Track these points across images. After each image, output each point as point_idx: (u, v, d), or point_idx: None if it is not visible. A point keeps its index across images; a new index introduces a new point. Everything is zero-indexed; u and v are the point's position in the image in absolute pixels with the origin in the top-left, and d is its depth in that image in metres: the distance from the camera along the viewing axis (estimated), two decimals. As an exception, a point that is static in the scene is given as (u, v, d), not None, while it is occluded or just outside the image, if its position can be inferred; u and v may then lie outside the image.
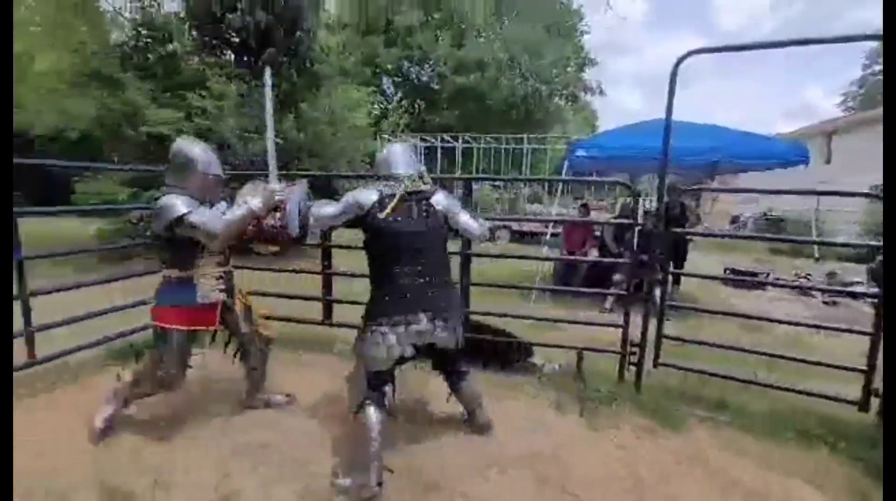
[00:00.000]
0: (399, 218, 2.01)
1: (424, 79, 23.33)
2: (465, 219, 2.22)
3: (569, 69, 21.61)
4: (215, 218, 2.07)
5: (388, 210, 1.99)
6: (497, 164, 15.51)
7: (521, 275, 6.34)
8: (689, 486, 2.12)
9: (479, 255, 3.69)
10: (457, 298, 2.23)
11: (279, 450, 2.23)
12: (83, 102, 5.82)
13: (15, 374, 2.41)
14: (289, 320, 3.59)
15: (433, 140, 15.27)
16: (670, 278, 5.65)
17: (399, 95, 23.78)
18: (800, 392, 2.71)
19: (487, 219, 2.44)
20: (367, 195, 2.06)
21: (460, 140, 14.50)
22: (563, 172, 5.91)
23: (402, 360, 2.05)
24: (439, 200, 2.13)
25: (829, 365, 2.67)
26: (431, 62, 21.78)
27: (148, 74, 6.49)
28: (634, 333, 2.97)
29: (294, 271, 3.93)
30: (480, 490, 2.01)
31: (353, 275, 3.68)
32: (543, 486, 2.07)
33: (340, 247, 3.58)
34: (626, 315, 2.99)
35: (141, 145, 6.43)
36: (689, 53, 2.77)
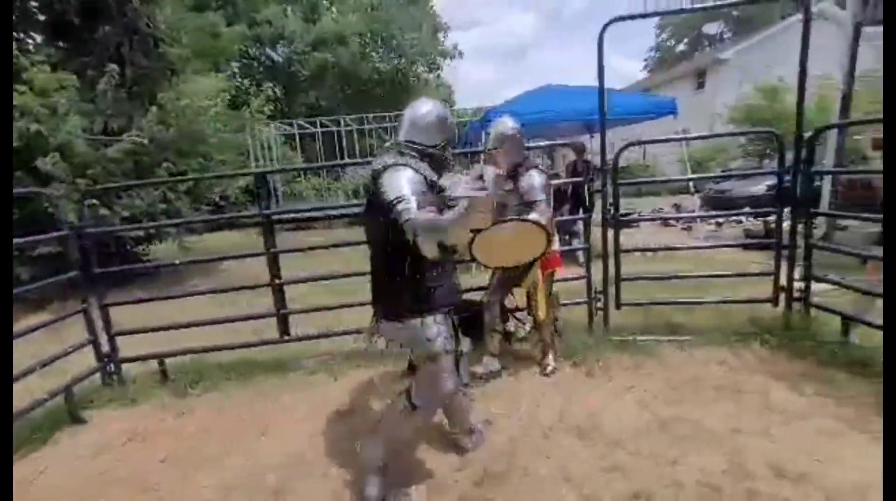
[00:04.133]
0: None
1: (278, 59, 21.31)
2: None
3: (422, 35, 21.28)
4: None
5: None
6: (364, 145, 15.05)
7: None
8: (696, 400, 2.45)
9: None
10: (398, 297, 1.74)
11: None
12: None
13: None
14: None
15: (288, 128, 14.06)
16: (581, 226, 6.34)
17: (250, 79, 21.38)
18: (733, 302, 3.29)
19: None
20: None
21: (318, 125, 13.58)
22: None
23: None
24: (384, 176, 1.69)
25: (753, 274, 3.29)
26: (286, 40, 19.96)
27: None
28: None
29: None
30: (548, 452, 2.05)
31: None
32: (586, 439, 2.19)
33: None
34: (588, 265, 3.24)
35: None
36: (614, 20, 3.00)
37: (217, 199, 7.93)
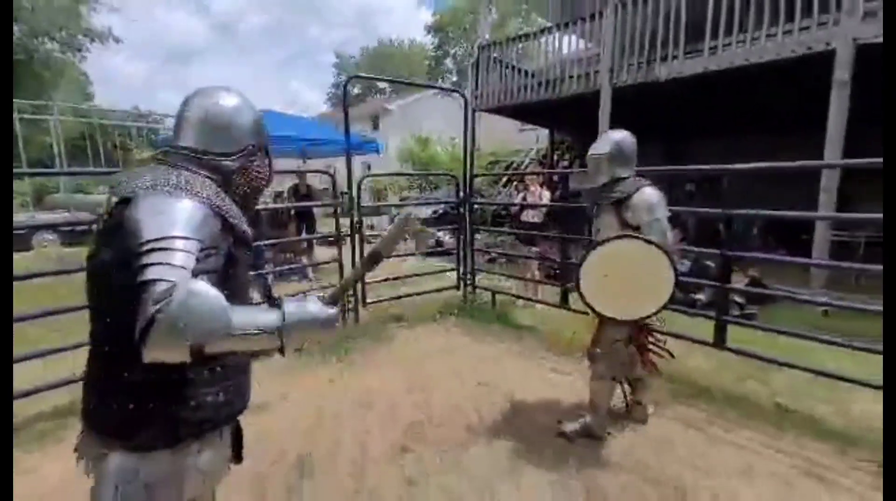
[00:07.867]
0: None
1: None
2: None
3: (55, 2, 15.73)
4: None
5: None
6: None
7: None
8: (433, 360, 3.43)
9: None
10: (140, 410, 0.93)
11: None
12: None
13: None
14: None
15: None
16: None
17: None
18: (436, 291, 4.60)
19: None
20: None
21: None
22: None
23: None
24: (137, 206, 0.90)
25: (446, 270, 4.72)
26: None
27: None
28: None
29: None
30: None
31: None
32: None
33: None
34: (342, 273, 3.84)
35: None
36: (351, 78, 3.81)
37: None
